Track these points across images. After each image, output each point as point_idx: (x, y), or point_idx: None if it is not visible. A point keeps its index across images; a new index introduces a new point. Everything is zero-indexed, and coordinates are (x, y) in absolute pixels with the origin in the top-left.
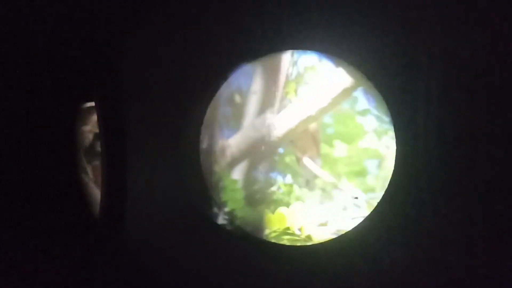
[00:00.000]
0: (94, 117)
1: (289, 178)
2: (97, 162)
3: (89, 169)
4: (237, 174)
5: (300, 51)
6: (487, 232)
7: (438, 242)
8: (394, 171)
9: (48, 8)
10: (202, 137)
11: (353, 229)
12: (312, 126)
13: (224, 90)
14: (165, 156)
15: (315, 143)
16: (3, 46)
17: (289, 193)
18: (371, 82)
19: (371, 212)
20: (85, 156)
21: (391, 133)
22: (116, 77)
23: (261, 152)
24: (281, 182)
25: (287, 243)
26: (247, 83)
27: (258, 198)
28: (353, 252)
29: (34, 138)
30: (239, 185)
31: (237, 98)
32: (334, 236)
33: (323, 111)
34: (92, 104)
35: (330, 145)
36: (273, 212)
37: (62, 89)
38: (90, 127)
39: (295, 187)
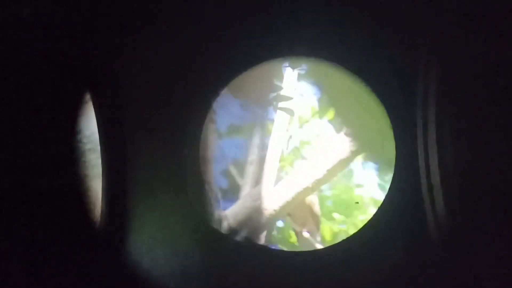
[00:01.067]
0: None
1: None
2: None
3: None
4: None
5: (298, 57)
6: (487, 235)
7: (438, 246)
8: (394, 176)
9: (45, 11)
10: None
11: (353, 234)
12: (310, 198)
13: (219, 163)
14: (165, 164)
15: (312, 216)
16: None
17: None
18: (369, 86)
19: (372, 217)
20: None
21: None
22: (115, 84)
23: (259, 224)
24: None
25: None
26: (243, 154)
27: None
28: (354, 258)
29: (33, 142)
30: None
31: (233, 170)
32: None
33: (319, 182)
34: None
35: (329, 218)
36: None
37: (61, 93)
38: None
39: None
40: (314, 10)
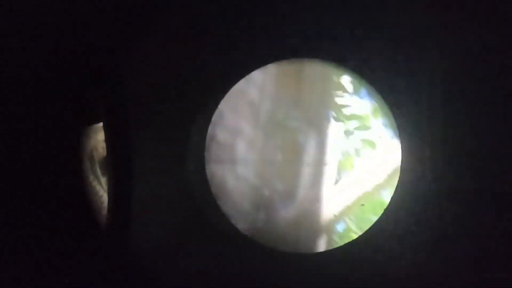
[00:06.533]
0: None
1: None
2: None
3: (103, 180)
4: None
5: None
6: (493, 234)
7: (444, 246)
8: (400, 176)
9: (51, 16)
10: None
11: (357, 238)
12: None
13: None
14: (171, 164)
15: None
16: (8, 54)
17: None
18: (375, 88)
19: (377, 219)
20: (100, 168)
21: None
22: (122, 85)
23: (316, 229)
24: None
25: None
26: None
27: None
28: (359, 259)
29: (38, 141)
30: None
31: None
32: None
33: (379, 187)
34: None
35: None
36: None
37: (66, 92)
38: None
39: None
40: (319, 11)
